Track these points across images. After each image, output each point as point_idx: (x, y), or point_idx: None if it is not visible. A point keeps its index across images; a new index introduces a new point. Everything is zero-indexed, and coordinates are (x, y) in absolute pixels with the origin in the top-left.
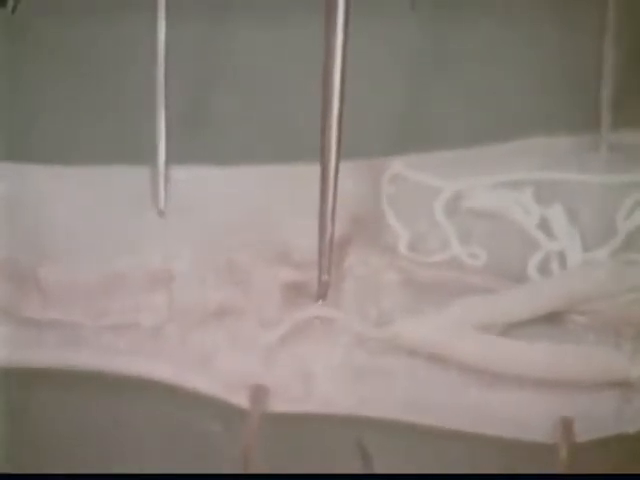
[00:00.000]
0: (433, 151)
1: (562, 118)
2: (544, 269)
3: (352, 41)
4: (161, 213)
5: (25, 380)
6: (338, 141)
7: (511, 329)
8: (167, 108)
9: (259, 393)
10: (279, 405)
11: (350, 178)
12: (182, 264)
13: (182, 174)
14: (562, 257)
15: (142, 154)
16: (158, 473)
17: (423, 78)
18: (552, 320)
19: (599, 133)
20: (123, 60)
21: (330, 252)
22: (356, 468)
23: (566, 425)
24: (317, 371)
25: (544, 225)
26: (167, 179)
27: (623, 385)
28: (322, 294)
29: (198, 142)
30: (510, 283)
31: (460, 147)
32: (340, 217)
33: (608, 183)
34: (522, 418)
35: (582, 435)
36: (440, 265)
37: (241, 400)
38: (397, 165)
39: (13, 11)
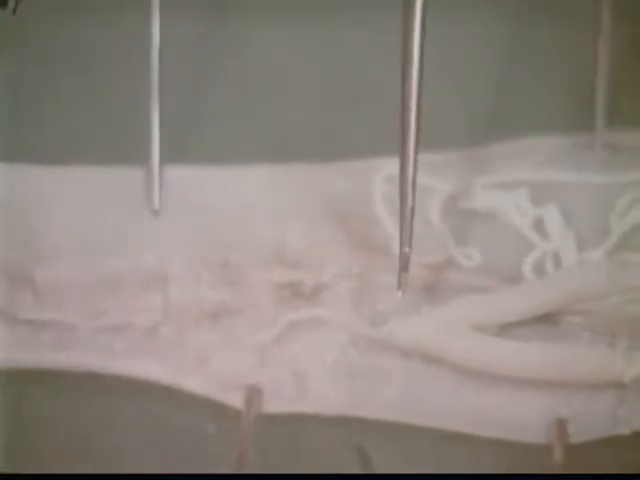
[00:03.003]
0: (427, 151)
1: (557, 118)
2: (539, 269)
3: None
4: (155, 213)
5: (20, 381)
6: (417, 112)
7: (506, 329)
8: (161, 107)
9: (253, 394)
10: (273, 406)
11: (344, 178)
12: (177, 264)
13: (177, 174)
14: (557, 257)
15: (137, 154)
16: (157, 473)
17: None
18: (547, 320)
19: (594, 133)
20: (117, 59)
21: (411, 225)
22: (350, 468)
23: (560, 426)
24: (311, 371)
25: (539, 225)
26: (161, 179)
27: (617, 386)
28: (404, 266)
29: (193, 142)
30: (505, 284)
31: (455, 148)
32: (334, 217)
33: (603, 183)
34: (516, 419)
35: (577, 436)
36: (435, 265)
37: (235, 401)
38: (392, 165)
39: (14, 12)
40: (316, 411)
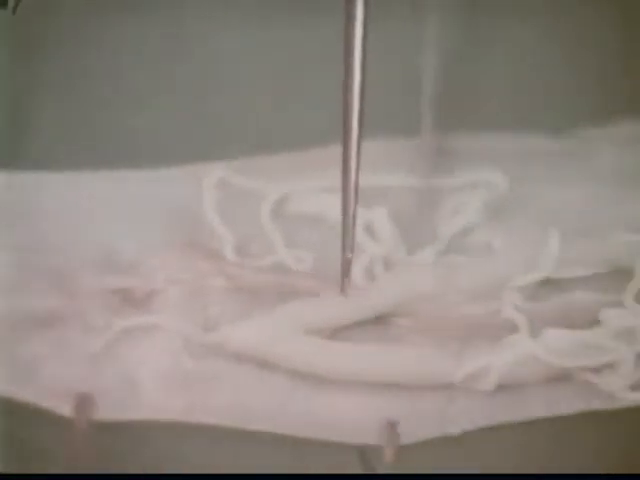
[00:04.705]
0: (258, 155)
1: (386, 122)
2: (368, 272)
3: None
4: None
5: None
6: (359, 119)
7: (338, 332)
8: None
9: (84, 401)
10: (106, 413)
11: (175, 183)
12: (4, 270)
13: (4, 180)
14: (386, 261)
15: None
16: (157, 473)
17: (248, 85)
18: (378, 323)
19: (421, 136)
20: None
21: (353, 230)
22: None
23: (391, 427)
24: (144, 378)
25: (369, 229)
26: None
27: (448, 387)
28: (346, 271)
29: (22, 147)
30: (336, 287)
31: (283, 151)
32: (165, 222)
33: (431, 186)
34: (348, 421)
35: (407, 437)
36: (266, 269)
37: (66, 409)
38: (221, 170)
39: (14, 11)
40: (150, 417)
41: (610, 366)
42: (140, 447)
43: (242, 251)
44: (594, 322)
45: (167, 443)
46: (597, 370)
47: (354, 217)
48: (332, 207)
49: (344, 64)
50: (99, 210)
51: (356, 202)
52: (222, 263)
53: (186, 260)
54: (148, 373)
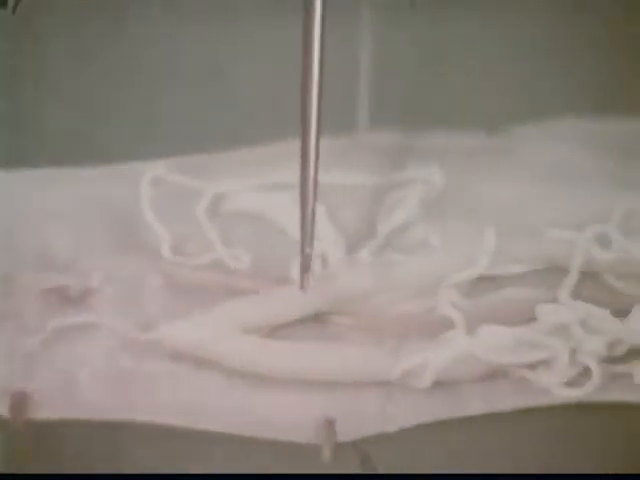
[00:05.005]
0: (194, 153)
1: (323, 119)
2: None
3: None
4: None
5: None
6: (318, 116)
7: (276, 331)
8: None
9: (20, 401)
10: (42, 412)
11: (111, 181)
12: None
13: None
14: (324, 258)
15: None
16: (157, 473)
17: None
18: (316, 321)
19: (359, 134)
20: None
21: (312, 226)
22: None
23: (328, 425)
24: (81, 376)
25: None
26: None
27: (385, 384)
28: (305, 267)
29: None
30: (274, 285)
31: (222, 149)
32: (101, 221)
33: (368, 184)
34: (287, 419)
35: (345, 435)
36: (204, 268)
37: (1, 409)
38: (158, 168)
39: (14, 11)
40: (88, 416)
41: (545, 362)
42: (78, 446)
43: (179, 249)
44: (530, 318)
45: (105, 442)
46: (532, 366)
47: (313, 213)
48: (270, 204)
49: (303, 62)
50: (35, 208)
51: (315, 198)
52: (159, 261)
53: (123, 258)
54: (85, 372)
